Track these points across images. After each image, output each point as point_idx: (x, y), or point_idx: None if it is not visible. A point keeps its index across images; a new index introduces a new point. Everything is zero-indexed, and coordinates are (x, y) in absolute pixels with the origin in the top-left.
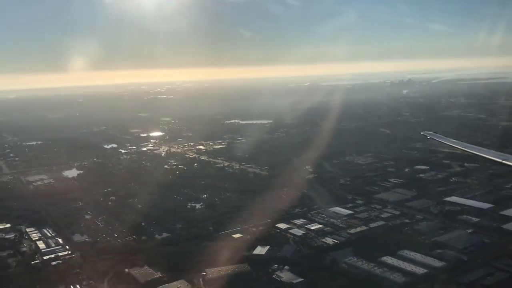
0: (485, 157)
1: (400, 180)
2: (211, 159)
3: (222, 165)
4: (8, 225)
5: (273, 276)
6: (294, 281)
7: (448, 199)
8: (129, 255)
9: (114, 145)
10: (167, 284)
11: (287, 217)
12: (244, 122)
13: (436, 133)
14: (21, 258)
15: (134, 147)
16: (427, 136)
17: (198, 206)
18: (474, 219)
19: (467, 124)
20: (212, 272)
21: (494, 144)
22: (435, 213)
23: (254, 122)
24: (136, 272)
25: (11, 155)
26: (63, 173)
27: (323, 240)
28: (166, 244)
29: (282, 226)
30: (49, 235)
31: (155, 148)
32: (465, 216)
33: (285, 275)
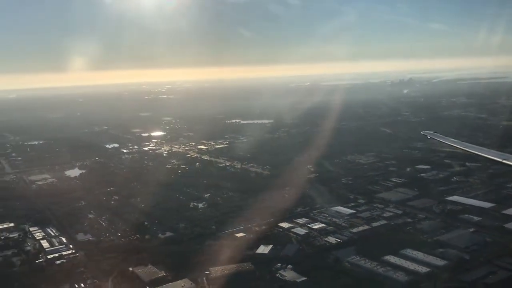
0: (485, 157)
1: (402, 180)
2: (212, 159)
3: (223, 164)
4: (12, 224)
5: (277, 275)
6: (298, 280)
7: (450, 198)
8: (133, 254)
9: (116, 145)
10: (171, 283)
11: (289, 216)
12: (245, 121)
13: (436, 132)
14: (26, 257)
15: (135, 147)
16: (427, 136)
17: (200, 205)
18: (476, 218)
19: (468, 123)
20: (216, 271)
21: (495, 144)
22: (437, 212)
23: (255, 121)
24: (140, 271)
25: (13, 154)
26: (66, 173)
27: (326, 239)
28: (169, 243)
29: (285, 225)
30: (53, 234)
31: (157, 147)
32: (467, 215)
33: (289, 274)
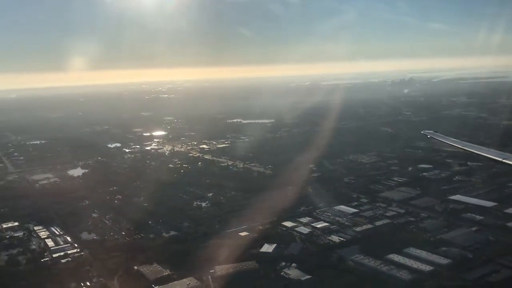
0: (485, 156)
1: (404, 179)
2: (215, 158)
3: (226, 164)
4: (16, 224)
5: (281, 273)
6: (302, 278)
7: (452, 197)
8: (137, 253)
9: (118, 144)
10: (176, 281)
11: (292, 216)
12: (246, 121)
13: (436, 132)
14: (31, 256)
15: (137, 146)
16: (427, 135)
17: (203, 204)
18: (478, 217)
19: (468, 123)
20: (221, 269)
21: (496, 143)
22: (439, 211)
23: (256, 121)
24: (145, 269)
25: (15, 154)
26: (68, 172)
27: (329, 238)
28: (173, 242)
29: (288, 224)
30: (57, 233)
31: (159, 147)
32: (469, 214)
33: (293, 272)
